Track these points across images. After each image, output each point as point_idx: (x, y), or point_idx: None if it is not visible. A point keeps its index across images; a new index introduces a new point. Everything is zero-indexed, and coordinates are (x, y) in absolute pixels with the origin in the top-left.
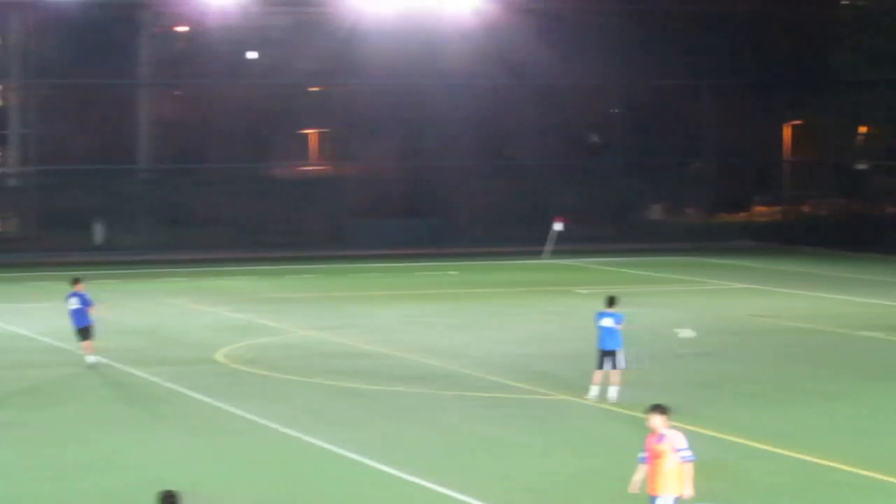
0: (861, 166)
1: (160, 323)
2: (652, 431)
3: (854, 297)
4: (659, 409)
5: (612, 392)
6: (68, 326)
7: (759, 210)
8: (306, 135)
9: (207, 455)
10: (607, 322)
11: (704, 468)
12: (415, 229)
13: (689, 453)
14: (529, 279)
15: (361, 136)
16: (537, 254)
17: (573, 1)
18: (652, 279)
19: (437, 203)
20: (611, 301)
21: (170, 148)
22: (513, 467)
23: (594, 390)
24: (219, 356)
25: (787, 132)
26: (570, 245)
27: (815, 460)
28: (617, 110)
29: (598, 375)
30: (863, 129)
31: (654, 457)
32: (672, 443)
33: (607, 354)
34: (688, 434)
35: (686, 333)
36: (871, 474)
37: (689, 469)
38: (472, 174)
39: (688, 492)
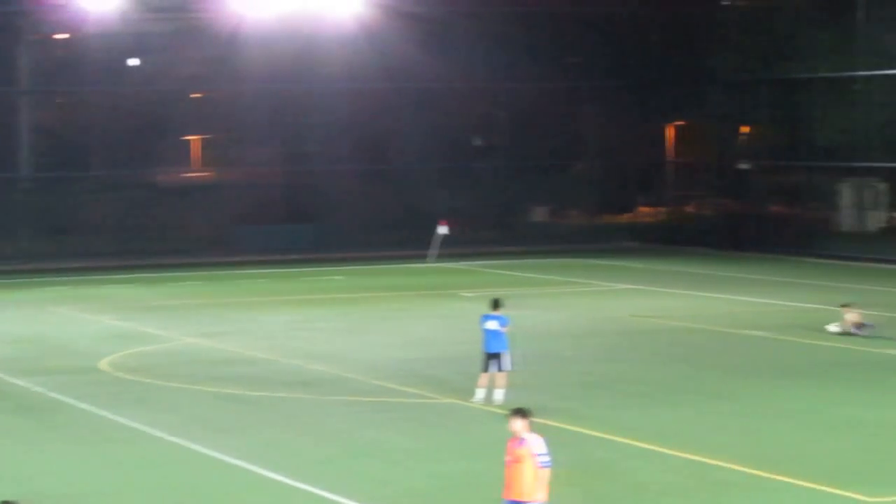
0: (743, 166)
1: (44, 332)
2: (513, 435)
3: (738, 297)
4: (519, 412)
5: (498, 394)
6: None
7: (644, 211)
8: (188, 141)
9: (93, 464)
10: (492, 325)
11: (592, 469)
12: (300, 234)
13: (546, 458)
14: (415, 283)
15: (243, 142)
16: (422, 257)
17: (453, 4)
18: (536, 281)
19: (321, 208)
20: (495, 304)
21: (51, 155)
22: (399, 471)
23: (480, 393)
24: (103, 365)
25: (670, 133)
26: (455, 248)
27: (703, 459)
28: (499, 113)
29: (483, 378)
30: (745, 129)
31: (515, 461)
32: (531, 447)
33: (492, 357)
34: (574, 435)
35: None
36: (759, 473)
37: (545, 475)
38: (355, 179)
39: (541, 496)
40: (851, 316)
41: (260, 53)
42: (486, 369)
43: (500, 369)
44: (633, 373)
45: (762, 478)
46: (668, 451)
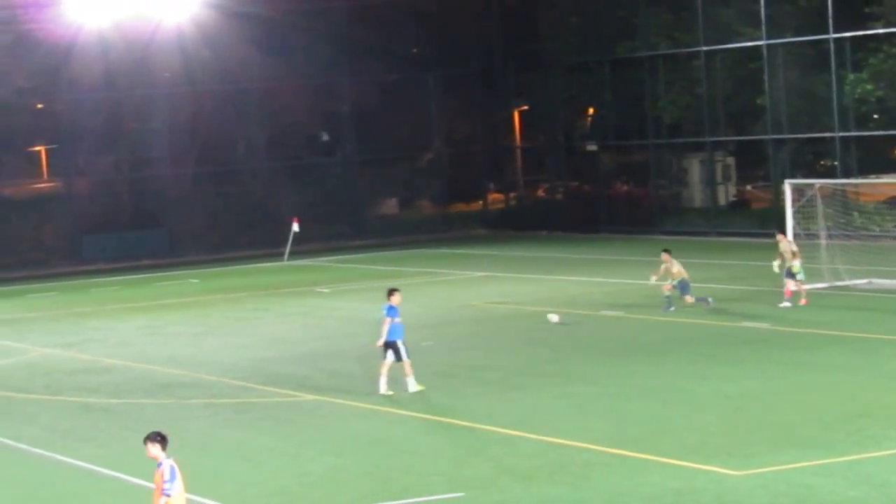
0: (591, 148)
1: None
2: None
3: (592, 278)
4: (153, 437)
5: (409, 383)
6: None
7: (494, 197)
8: (34, 152)
9: None
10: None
11: (458, 456)
12: (151, 240)
13: (168, 486)
14: (270, 282)
15: (89, 151)
16: (276, 256)
17: (290, 2)
18: (392, 273)
19: (171, 212)
20: (390, 293)
21: None
22: (264, 471)
23: (382, 383)
24: None
25: (516, 118)
26: (308, 245)
27: (565, 442)
28: (344, 107)
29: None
30: (590, 111)
31: (156, 488)
32: (162, 474)
33: (390, 346)
34: (437, 425)
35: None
36: (623, 452)
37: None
38: (203, 181)
39: None
40: (668, 266)
41: (98, 61)
42: (386, 358)
43: (399, 358)
44: (493, 359)
45: (627, 457)
46: (531, 435)
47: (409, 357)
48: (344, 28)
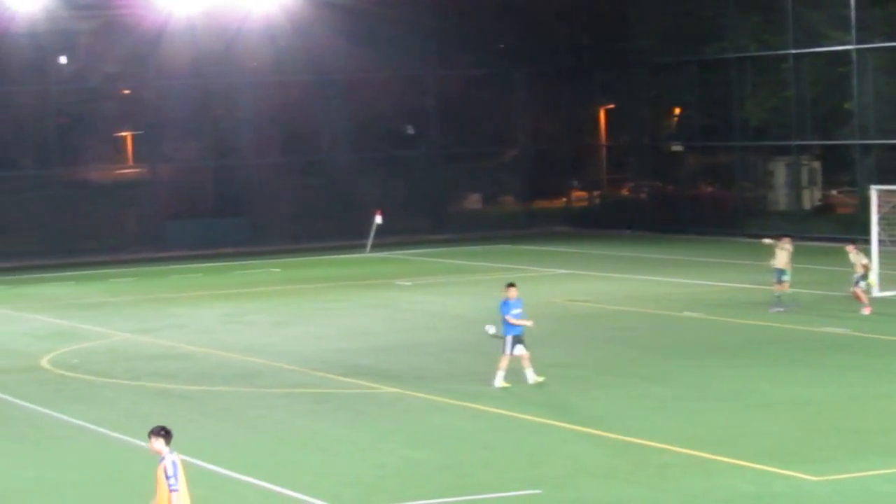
0: (676, 148)
1: None
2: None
3: (674, 279)
4: (156, 431)
5: (497, 377)
6: None
7: (578, 195)
8: (120, 138)
9: (36, 462)
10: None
11: (534, 454)
12: (232, 228)
13: (173, 481)
14: (351, 273)
15: (173, 137)
16: (356, 248)
17: None
18: (473, 268)
19: (253, 201)
20: (507, 287)
21: None
22: (340, 462)
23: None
24: (44, 363)
25: (601, 116)
26: (389, 238)
27: (643, 442)
28: (429, 101)
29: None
30: (676, 111)
31: (157, 482)
32: (164, 469)
33: (500, 338)
34: (513, 420)
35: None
36: (701, 454)
37: (175, 499)
38: (286, 171)
39: None
40: (784, 244)
41: (186, 48)
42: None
43: (503, 352)
44: (571, 357)
45: (705, 459)
46: (608, 434)
47: (507, 354)
48: (432, 21)
